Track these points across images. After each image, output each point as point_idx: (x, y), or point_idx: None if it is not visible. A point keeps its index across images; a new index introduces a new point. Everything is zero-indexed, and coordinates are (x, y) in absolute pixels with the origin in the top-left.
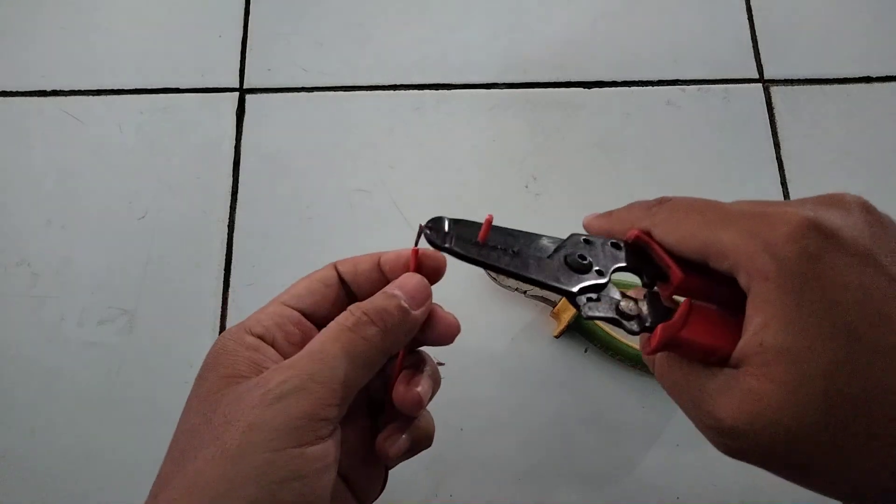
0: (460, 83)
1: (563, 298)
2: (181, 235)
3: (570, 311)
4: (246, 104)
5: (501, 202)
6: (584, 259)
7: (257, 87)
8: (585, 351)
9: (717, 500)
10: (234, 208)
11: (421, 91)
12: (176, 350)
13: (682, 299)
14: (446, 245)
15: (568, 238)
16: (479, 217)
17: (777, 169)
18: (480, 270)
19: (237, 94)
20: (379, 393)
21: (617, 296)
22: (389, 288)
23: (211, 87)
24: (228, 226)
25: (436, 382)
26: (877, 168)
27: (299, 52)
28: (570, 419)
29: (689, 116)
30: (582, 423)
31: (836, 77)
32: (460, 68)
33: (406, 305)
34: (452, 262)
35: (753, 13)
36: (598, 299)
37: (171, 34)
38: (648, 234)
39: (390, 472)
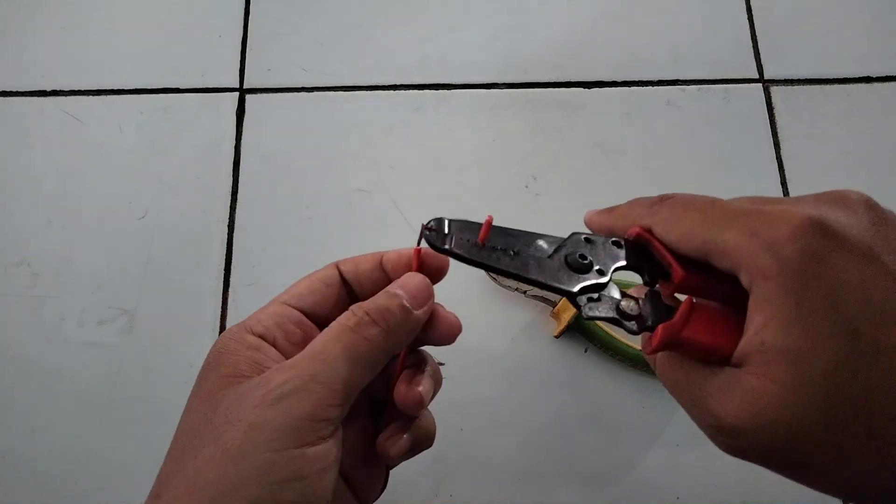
0: (460, 83)
1: (564, 298)
2: (181, 235)
3: (570, 311)
4: (246, 104)
5: (501, 202)
6: (585, 258)
7: (257, 87)
8: (585, 351)
9: (718, 500)
10: (234, 208)
11: (421, 91)
12: (176, 350)
13: (683, 297)
14: (446, 246)
15: (568, 237)
16: (480, 217)
17: (777, 169)
18: (481, 271)
19: (237, 94)
20: (380, 392)
21: (617, 295)
22: (391, 287)
23: (211, 87)
24: (228, 226)
25: (437, 382)
26: (877, 168)
27: (299, 52)
28: (570, 419)
29: (689, 116)
30: (582, 423)
31: (836, 77)
32: (460, 68)
33: (408, 305)
34: (453, 263)
35: (753, 13)
36: (598, 299)
37: (171, 34)
38: (650, 231)
39: (391, 472)
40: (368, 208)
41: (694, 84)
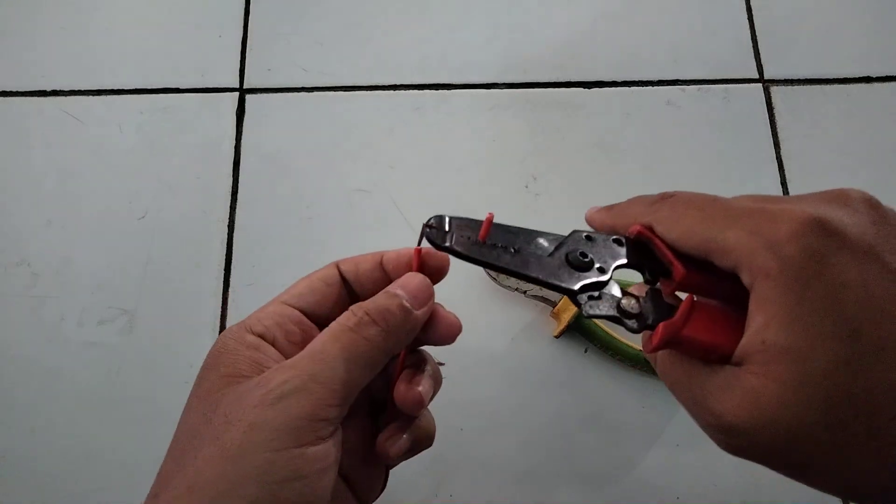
0: (460, 83)
1: (564, 298)
2: (181, 235)
3: (570, 311)
4: (246, 104)
5: (501, 202)
6: (586, 256)
7: (257, 87)
8: (585, 351)
9: (718, 500)
10: (234, 208)
11: (421, 91)
12: (176, 350)
13: (684, 296)
14: (446, 244)
15: (569, 235)
16: (480, 216)
17: (777, 169)
18: (481, 271)
19: (237, 94)
20: (380, 392)
21: (618, 293)
22: (392, 287)
23: (211, 87)
24: (228, 226)
25: (437, 382)
26: (877, 168)
27: (299, 52)
28: (570, 419)
29: (689, 116)
30: (582, 423)
31: (836, 77)
32: (460, 68)
33: (408, 305)
34: (452, 263)
35: (753, 13)
36: (599, 297)
37: (171, 34)
38: (651, 229)
39: (391, 472)
40: (368, 208)
41: (694, 84)
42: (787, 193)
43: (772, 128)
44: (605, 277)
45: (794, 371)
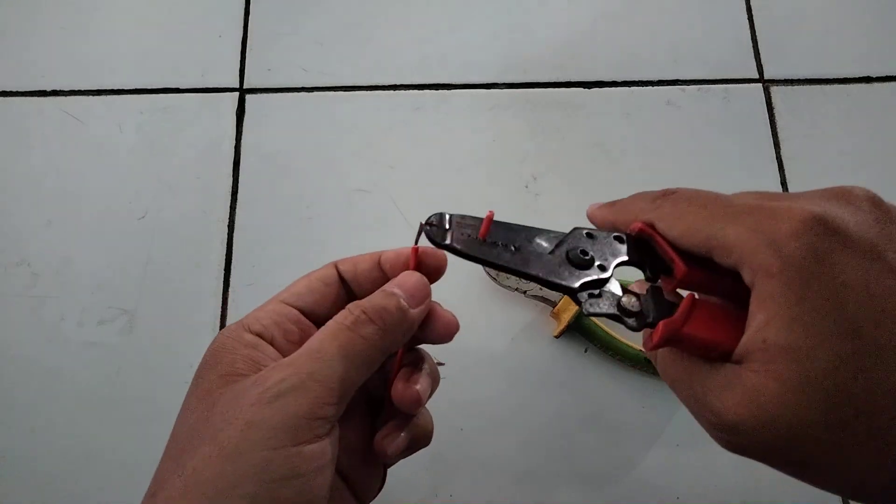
0: (460, 83)
1: (564, 298)
2: (181, 235)
3: (570, 311)
4: (246, 104)
5: (501, 202)
6: (586, 254)
7: (257, 87)
8: (585, 351)
9: (717, 500)
10: (234, 208)
11: (421, 91)
12: (176, 350)
13: (685, 293)
14: (446, 242)
15: (570, 232)
16: (480, 216)
17: (777, 169)
18: (481, 271)
19: (237, 94)
20: (378, 390)
21: (619, 291)
22: (388, 286)
23: (211, 87)
24: (228, 226)
25: (434, 380)
26: (877, 168)
27: (299, 52)
28: (570, 419)
29: (689, 116)
30: (582, 423)
31: (836, 77)
32: (460, 68)
33: (405, 304)
34: (452, 262)
35: (753, 13)
36: (599, 295)
37: (171, 34)
38: (652, 226)
39: (390, 471)
40: (368, 208)
41: (694, 84)
42: None
43: (772, 128)
44: (605, 275)
45: (794, 370)
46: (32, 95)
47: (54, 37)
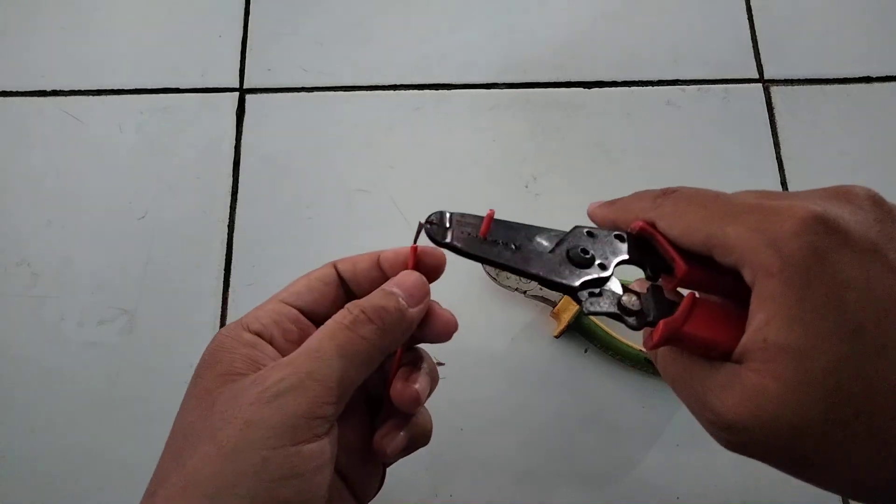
0: (460, 83)
1: (564, 298)
2: (181, 235)
3: (570, 311)
4: (246, 104)
5: (501, 202)
6: (587, 253)
7: (257, 87)
8: (585, 351)
9: (717, 500)
10: (234, 208)
11: (421, 91)
12: (176, 350)
13: (686, 291)
14: (447, 240)
15: (571, 231)
16: (481, 215)
17: (777, 169)
18: (481, 270)
19: (237, 94)
20: (377, 390)
21: (619, 290)
22: (387, 286)
23: (211, 87)
24: (228, 226)
25: (433, 379)
26: (877, 168)
27: (299, 52)
28: (570, 419)
29: (689, 116)
30: (582, 423)
31: (836, 77)
32: (460, 68)
33: (404, 303)
34: (452, 262)
35: (753, 13)
36: (599, 294)
37: (171, 34)
38: (653, 225)
39: (390, 471)
40: (368, 208)
41: (694, 84)
42: None
43: (772, 128)
44: (606, 274)
45: (794, 369)
46: (32, 95)
47: (54, 37)
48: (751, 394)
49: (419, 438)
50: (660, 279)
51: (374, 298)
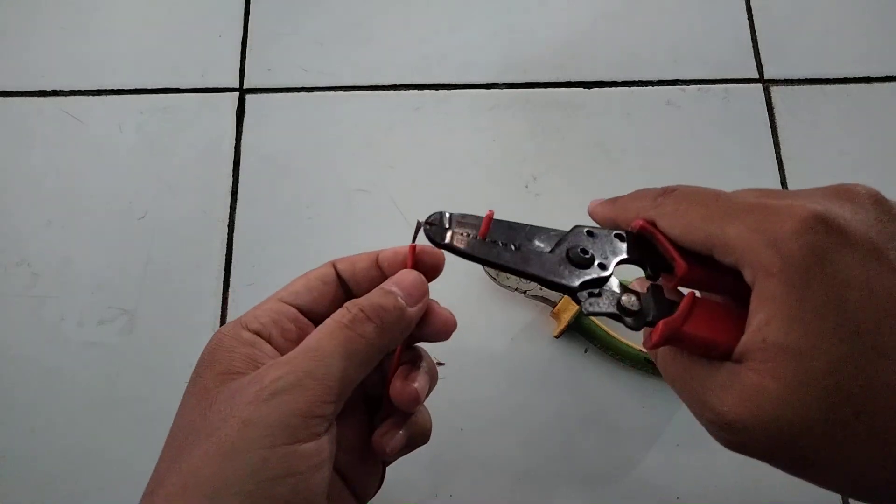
0: (460, 83)
1: (564, 298)
2: (181, 235)
3: (570, 311)
4: (246, 104)
5: (501, 202)
6: (587, 253)
7: (257, 87)
8: (585, 351)
9: (717, 500)
10: (234, 208)
11: (421, 91)
12: (176, 350)
13: (686, 291)
14: (446, 241)
15: (571, 230)
16: (481, 215)
17: (777, 169)
18: (480, 270)
19: (237, 94)
20: (376, 389)
21: (618, 290)
22: (386, 284)
23: (211, 87)
24: (228, 226)
25: (433, 378)
26: (877, 168)
27: (299, 52)
28: (570, 419)
29: (689, 116)
30: (582, 423)
31: (836, 77)
32: (460, 68)
33: (402, 302)
34: (451, 262)
35: (753, 13)
36: (599, 294)
37: (171, 34)
38: (653, 224)
39: (389, 471)
40: (368, 208)
41: (694, 84)
42: None
43: (772, 128)
44: (606, 273)
45: (794, 369)
46: (32, 95)
47: (54, 37)
48: (750, 393)
49: (418, 437)
50: (660, 278)
51: (373, 297)
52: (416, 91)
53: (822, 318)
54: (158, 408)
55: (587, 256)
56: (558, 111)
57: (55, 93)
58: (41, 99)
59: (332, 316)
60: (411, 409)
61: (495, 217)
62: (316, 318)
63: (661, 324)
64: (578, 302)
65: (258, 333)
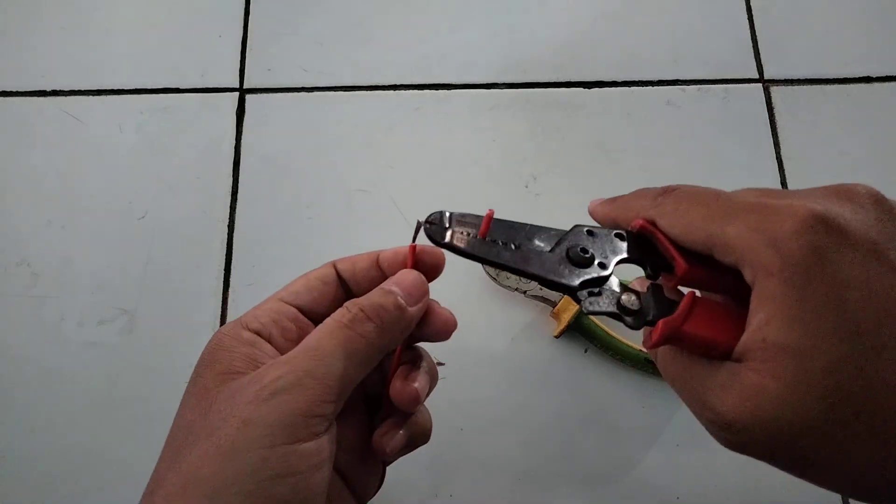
0: (460, 83)
1: (564, 298)
2: (181, 235)
3: (570, 311)
4: (246, 104)
5: (501, 202)
6: (586, 252)
7: (257, 87)
8: (585, 351)
9: (717, 500)
10: (234, 208)
11: (421, 91)
12: (176, 350)
13: (686, 290)
14: (446, 241)
15: (571, 230)
16: (481, 215)
17: (777, 169)
18: (480, 270)
19: (237, 94)
20: (376, 388)
21: (619, 289)
22: (386, 284)
23: (211, 87)
24: (228, 226)
25: (433, 378)
26: (877, 168)
27: (299, 52)
28: (570, 419)
29: (689, 116)
30: (582, 423)
31: (836, 77)
32: (460, 68)
33: (402, 302)
34: (451, 261)
35: (753, 13)
36: (599, 293)
37: (171, 34)
38: (653, 223)
39: (390, 471)
40: (368, 208)
41: (694, 84)
42: None
43: (772, 128)
44: (605, 273)
45: (794, 369)
46: (32, 95)
47: (54, 37)
48: (750, 393)
49: (418, 437)
50: (660, 278)
51: (373, 297)
52: (416, 91)
53: (822, 317)
54: (158, 408)
55: (587, 256)
56: (558, 111)
57: (55, 93)
58: (41, 99)
59: (332, 315)
60: (411, 409)
61: (495, 216)
62: (316, 318)
63: (660, 323)
64: (578, 301)
65: (258, 333)
